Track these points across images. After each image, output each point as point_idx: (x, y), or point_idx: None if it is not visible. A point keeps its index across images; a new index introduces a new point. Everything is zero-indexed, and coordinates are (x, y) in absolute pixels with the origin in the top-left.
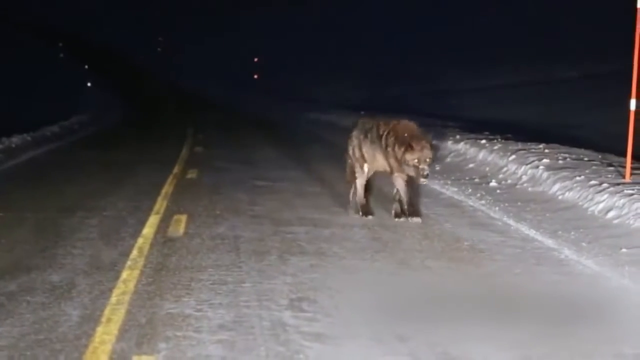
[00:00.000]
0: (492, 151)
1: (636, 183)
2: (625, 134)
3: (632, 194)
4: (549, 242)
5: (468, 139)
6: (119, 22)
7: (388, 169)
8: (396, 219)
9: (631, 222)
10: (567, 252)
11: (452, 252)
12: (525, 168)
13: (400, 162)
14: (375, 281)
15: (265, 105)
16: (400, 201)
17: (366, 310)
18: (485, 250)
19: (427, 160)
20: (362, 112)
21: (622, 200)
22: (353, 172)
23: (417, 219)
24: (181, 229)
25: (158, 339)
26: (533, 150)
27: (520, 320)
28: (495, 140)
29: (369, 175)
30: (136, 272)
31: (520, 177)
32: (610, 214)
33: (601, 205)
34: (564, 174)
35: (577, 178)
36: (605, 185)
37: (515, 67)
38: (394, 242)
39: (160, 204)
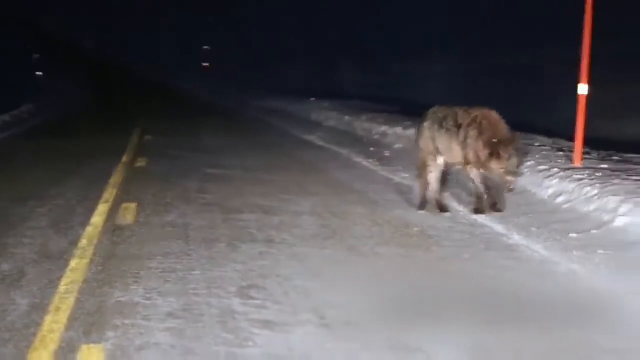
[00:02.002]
0: None
1: (586, 168)
2: (574, 119)
3: (581, 179)
4: (499, 228)
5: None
6: (67, 8)
7: (463, 160)
8: (475, 216)
9: (580, 207)
10: (517, 237)
11: (402, 238)
12: None
13: (484, 165)
14: (324, 268)
15: (216, 93)
16: (478, 196)
17: (315, 298)
18: (434, 236)
19: (515, 170)
20: (312, 99)
21: (571, 185)
22: (424, 166)
23: (498, 213)
24: (131, 218)
25: (107, 328)
26: None
27: (469, 307)
28: None
29: (444, 168)
30: (85, 261)
31: None
32: (560, 199)
33: (551, 190)
34: None
35: (527, 163)
36: (555, 170)
37: (465, 54)
38: (343, 229)
39: (110, 193)
